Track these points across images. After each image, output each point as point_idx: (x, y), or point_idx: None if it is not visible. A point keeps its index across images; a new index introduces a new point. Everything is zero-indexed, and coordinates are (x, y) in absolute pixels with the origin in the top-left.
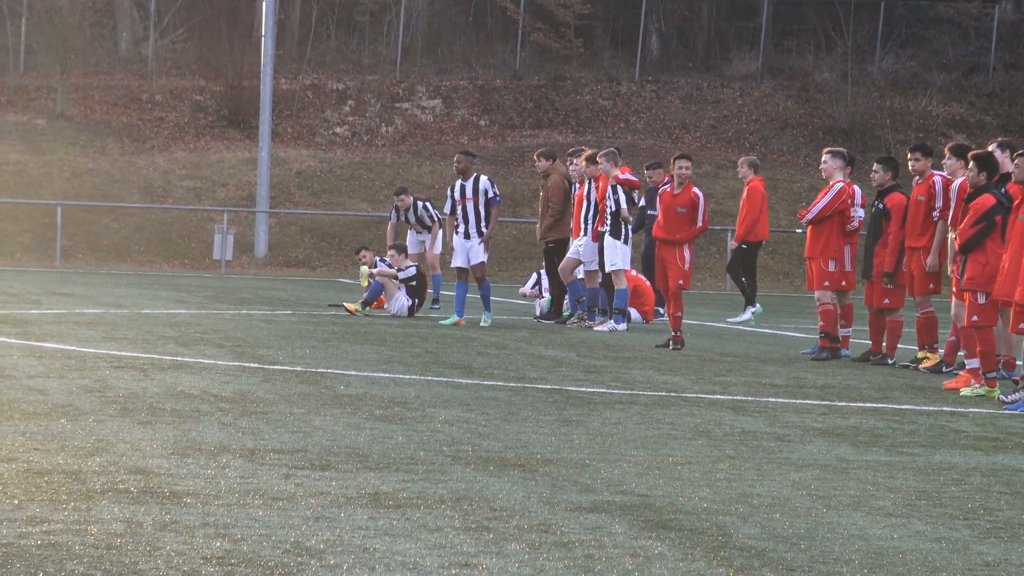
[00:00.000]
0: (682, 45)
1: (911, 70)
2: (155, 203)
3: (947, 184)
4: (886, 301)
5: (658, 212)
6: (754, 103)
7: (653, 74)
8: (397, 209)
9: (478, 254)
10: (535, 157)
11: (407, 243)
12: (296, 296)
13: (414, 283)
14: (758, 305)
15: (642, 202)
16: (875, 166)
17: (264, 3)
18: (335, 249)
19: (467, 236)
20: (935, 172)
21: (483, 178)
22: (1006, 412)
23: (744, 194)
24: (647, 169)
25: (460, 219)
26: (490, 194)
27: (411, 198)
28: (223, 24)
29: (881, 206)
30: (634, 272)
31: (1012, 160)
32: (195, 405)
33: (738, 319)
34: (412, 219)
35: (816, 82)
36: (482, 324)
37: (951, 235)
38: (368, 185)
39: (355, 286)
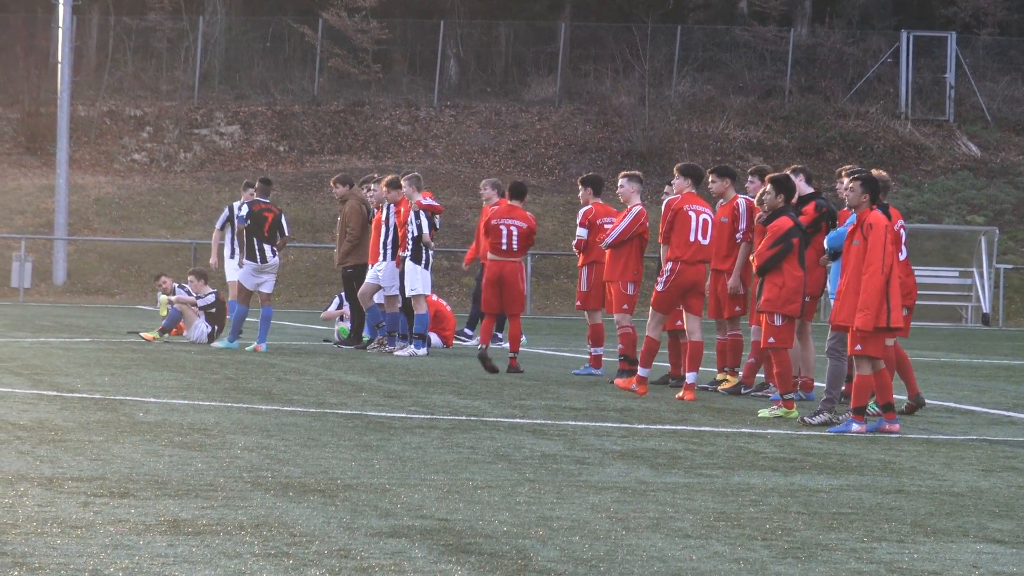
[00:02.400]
0: (480, 70)
1: (708, 94)
2: None
3: (751, 206)
4: (679, 323)
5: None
6: (552, 127)
7: (452, 99)
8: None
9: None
10: (332, 183)
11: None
12: (95, 323)
13: (213, 310)
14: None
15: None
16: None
17: (60, 29)
18: (134, 276)
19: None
20: (739, 195)
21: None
22: (803, 433)
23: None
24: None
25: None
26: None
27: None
28: (19, 49)
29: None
30: (435, 297)
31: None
32: None
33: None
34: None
35: (614, 106)
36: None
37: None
38: (167, 211)
39: (154, 313)
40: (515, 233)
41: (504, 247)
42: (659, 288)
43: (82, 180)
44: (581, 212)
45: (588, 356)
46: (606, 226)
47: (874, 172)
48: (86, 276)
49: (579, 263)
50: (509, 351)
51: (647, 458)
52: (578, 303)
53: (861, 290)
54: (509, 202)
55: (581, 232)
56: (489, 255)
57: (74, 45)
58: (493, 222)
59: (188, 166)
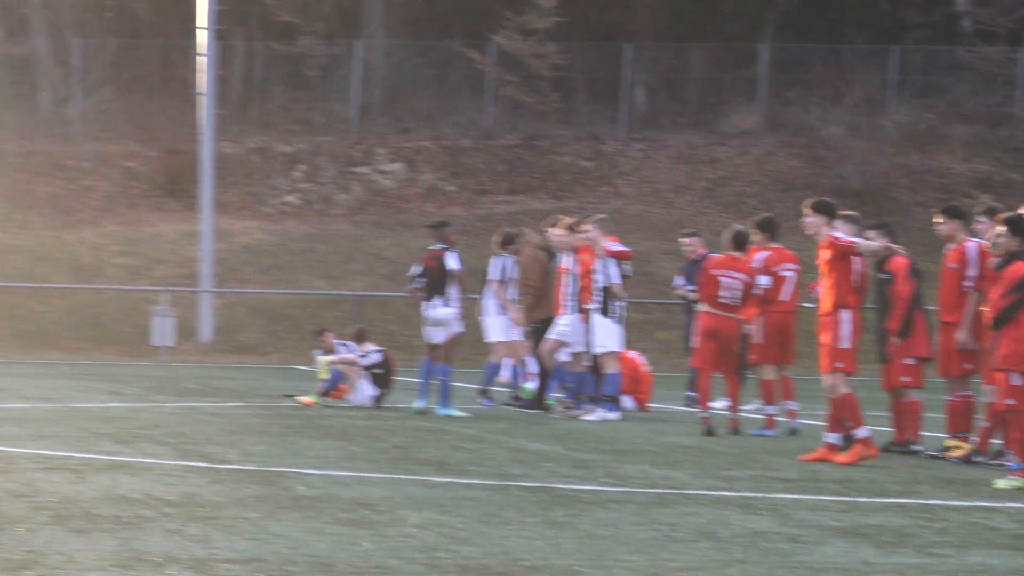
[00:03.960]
0: (671, 98)
1: (928, 123)
2: (85, 283)
3: (982, 250)
4: (905, 379)
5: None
6: (754, 162)
7: (640, 131)
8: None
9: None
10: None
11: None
12: (247, 386)
13: (379, 370)
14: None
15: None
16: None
17: (201, 58)
18: (289, 332)
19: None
20: (968, 238)
21: None
22: None
23: None
24: (683, 237)
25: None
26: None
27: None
28: (157, 81)
29: (885, 276)
30: (631, 354)
31: None
32: (137, 510)
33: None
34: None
35: (822, 137)
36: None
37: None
38: (324, 260)
39: (313, 374)
40: (737, 286)
41: (723, 300)
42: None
43: (229, 225)
44: (761, 258)
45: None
46: (784, 274)
47: None
48: (235, 332)
49: (753, 312)
50: (730, 411)
51: (870, 536)
52: (753, 356)
53: None
54: (731, 252)
55: (765, 280)
56: (706, 308)
57: (217, 75)
58: (712, 272)
59: (346, 208)
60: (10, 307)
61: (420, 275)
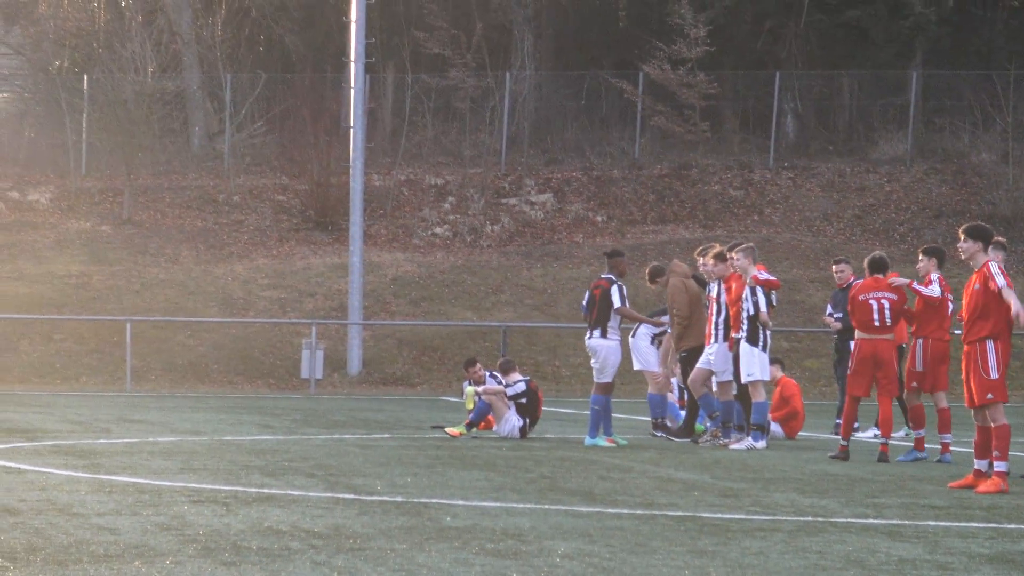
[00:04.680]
0: (821, 126)
1: None
2: (235, 316)
3: None
4: None
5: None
6: (904, 189)
7: (789, 159)
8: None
9: None
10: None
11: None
12: (394, 417)
13: (524, 400)
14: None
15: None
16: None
17: (351, 91)
18: (437, 364)
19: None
20: None
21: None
22: None
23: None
24: (834, 265)
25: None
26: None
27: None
28: (306, 115)
29: None
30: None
31: None
32: (285, 542)
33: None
34: None
35: (973, 164)
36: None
37: None
38: (472, 291)
39: (460, 405)
40: (886, 307)
41: (876, 323)
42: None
43: (378, 257)
44: (936, 279)
45: (916, 440)
46: (949, 302)
47: None
48: (383, 364)
49: (904, 333)
50: (880, 437)
51: (1019, 563)
52: (913, 383)
53: None
54: (871, 275)
55: (936, 289)
56: (858, 334)
57: (367, 108)
58: (860, 298)
59: (495, 240)
60: (161, 341)
61: (587, 304)
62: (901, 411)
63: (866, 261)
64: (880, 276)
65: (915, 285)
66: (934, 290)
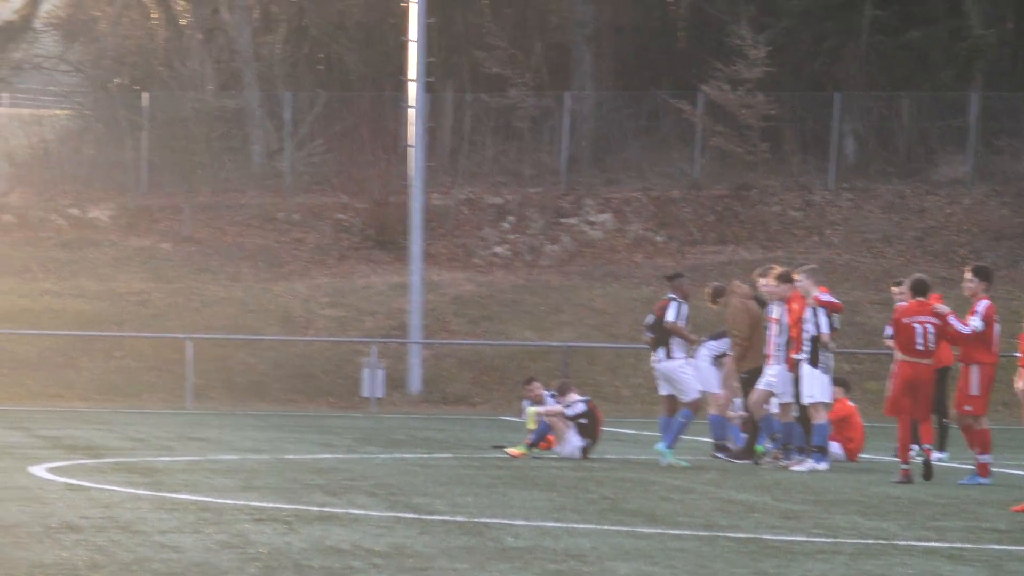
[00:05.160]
0: (881, 147)
1: None
2: (295, 335)
3: None
4: None
5: None
6: (964, 211)
7: (849, 180)
8: None
9: None
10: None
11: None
12: (455, 437)
13: (584, 420)
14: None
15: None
16: None
17: (411, 110)
18: (497, 383)
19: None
20: None
21: None
22: None
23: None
24: (893, 286)
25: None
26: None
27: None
28: (366, 134)
29: None
30: (850, 401)
31: None
32: (346, 561)
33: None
34: None
35: None
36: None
37: None
38: (532, 311)
39: (521, 425)
40: (930, 331)
41: (920, 347)
42: None
43: (438, 276)
44: (983, 306)
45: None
46: (997, 325)
47: None
48: (444, 384)
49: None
50: (906, 458)
51: None
52: (968, 407)
53: None
54: (914, 298)
55: (977, 324)
56: (900, 356)
57: (427, 127)
58: (904, 321)
59: (555, 259)
60: (221, 359)
61: (650, 325)
62: (939, 433)
63: (908, 283)
64: (923, 299)
65: (951, 319)
66: (970, 325)
